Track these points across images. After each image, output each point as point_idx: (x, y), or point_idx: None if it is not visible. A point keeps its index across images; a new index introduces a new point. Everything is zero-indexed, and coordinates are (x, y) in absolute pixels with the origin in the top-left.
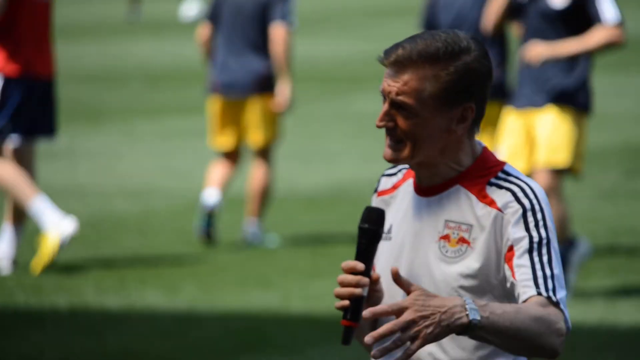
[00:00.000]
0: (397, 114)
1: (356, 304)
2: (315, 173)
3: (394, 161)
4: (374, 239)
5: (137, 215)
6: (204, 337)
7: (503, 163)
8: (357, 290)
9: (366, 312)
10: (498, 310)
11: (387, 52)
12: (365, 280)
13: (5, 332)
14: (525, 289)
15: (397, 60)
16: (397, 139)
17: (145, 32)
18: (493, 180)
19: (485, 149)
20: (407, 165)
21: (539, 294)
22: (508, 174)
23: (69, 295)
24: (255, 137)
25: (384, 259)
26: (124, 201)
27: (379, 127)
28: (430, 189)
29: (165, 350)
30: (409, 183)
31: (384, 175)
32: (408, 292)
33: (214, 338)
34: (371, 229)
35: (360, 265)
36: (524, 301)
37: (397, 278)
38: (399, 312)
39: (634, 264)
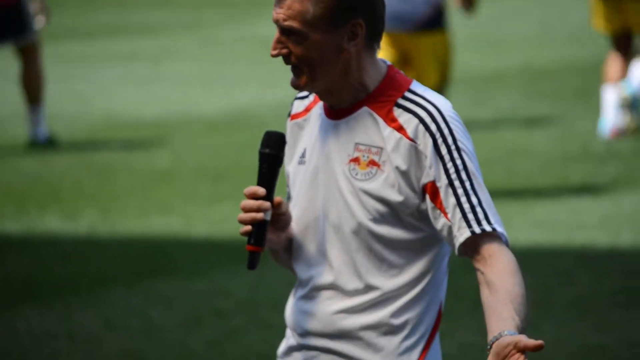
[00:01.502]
0: (288, 41)
1: (259, 228)
2: (217, 97)
3: (297, 87)
4: (275, 164)
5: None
6: (105, 261)
7: (410, 80)
8: (259, 215)
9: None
10: (524, 322)
11: None
12: (267, 204)
13: None
14: (460, 231)
15: None
16: (293, 65)
17: None
18: (400, 100)
19: (390, 67)
20: None
21: (473, 232)
22: (414, 93)
23: None
24: None
25: (299, 183)
26: (24, 126)
27: (272, 56)
28: (339, 111)
29: (67, 275)
30: (320, 106)
31: (296, 98)
32: None
33: (116, 262)
34: (271, 153)
35: (261, 190)
36: (462, 243)
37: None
38: None
39: (532, 185)
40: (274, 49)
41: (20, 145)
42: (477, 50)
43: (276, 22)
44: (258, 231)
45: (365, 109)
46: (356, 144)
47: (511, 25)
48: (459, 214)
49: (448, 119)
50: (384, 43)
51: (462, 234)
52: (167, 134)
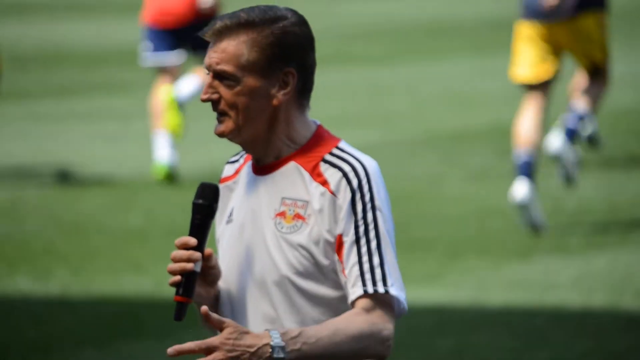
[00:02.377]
0: (220, 85)
1: (188, 279)
2: (188, 154)
3: (222, 135)
4: (207, 215)
5: (7, 200)
6: (77, 322)
7: (338, 139)
8: (189, 265)
9: (170, 350)
10: (312, 339)
11: (208, 26)
12: (197, 255)
13: None
14: (354, 289)
15: (215, 30)
16: (220, 111)
17: (9, 13)
18: (327, 156)
19: (320, 126)
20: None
21: (365, 291)
22: (342, 150)
23: None
24: None
25: (226, 241)
26: None
27: (203, 100)
28: (265, 167)
29: (38, 336)
30: (248, 165)
31: (227, 162)
32: (220, 329)
33: (88, 324)
34: (204, 204)
35: (192, 241)
36: (352, 302)
37: (208, 318)
38: (207, 350)
39: (504, 244)
40: (205, 93)
41: None
42: (447, 107)
43: (209, 66)
44: (187, 282)
45: (292, 163)
46: (282, 198)
47: (481, 83)
48: (356, 272)
49: (371, 176)
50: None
51: (354, 292)
52: (139, 192)
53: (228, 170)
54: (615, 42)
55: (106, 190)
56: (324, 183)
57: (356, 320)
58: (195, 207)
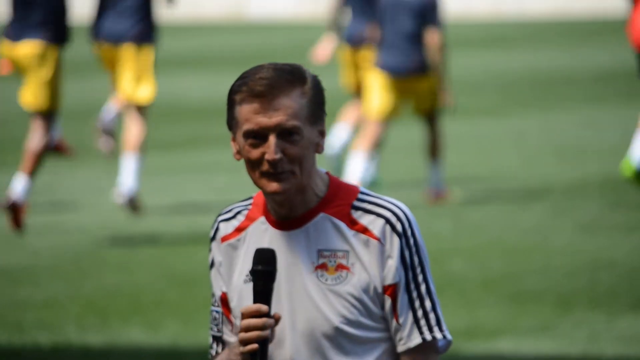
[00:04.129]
0: (285, 143)
1: (263, 346)
2: None
3: (285, 192)
4: (268, 280)
5: (120, 252)
6: None
7: (355, 185)
8: (265, 333)
9: None
10: None
11: (251, 87)
12: (271, 321)
13: None
14: (410, 337)
15: (269, 87)
16: (286, 169)
17: None
18: (356, 203)
19: (328, 173)
20: (244, 206)
21: (424, 339)
22: (368, 195)
23: (50, 333)
24: None
25: (252, 300)
26: (106, 238)
27: (275, 160)
28: (294, 221)
29: None
30: (262, 221)
31: (221, 221)
32: None
33: None
34: (265, 270)
35: (264, 308)
36: (410, 349)
37: None
38: None
39: (616, 296)
40: (276, 153)
41: (102, 258)
42: (558, 159)
43: (275, 126)
44: (262, 349)
45: (321, 215)
46: (319, 250)
47: (591, 134)
48: (410, 319)
49: (411, 219)
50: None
51: (412, 340)
52: None
53: (225, 228)
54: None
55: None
56: (364, 231)
57: None
58: (256, 273)
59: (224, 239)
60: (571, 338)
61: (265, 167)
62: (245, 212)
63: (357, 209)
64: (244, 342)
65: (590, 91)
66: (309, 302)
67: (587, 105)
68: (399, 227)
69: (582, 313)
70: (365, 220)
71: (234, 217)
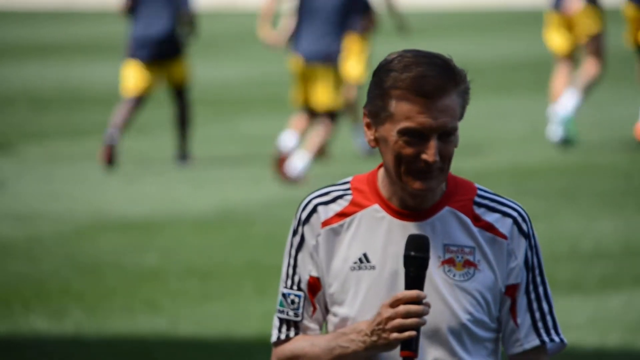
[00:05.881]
0: (442, 143)
1: (418, 334)
2: (204, 196)
3: (430, 190)
4: (421, 266)
5: (23, 240)
6: None
7: (470, 181)
8: (424, 320)
9: None
10: None
11: (416, 85)
12: (428, 309)
13: None
14: (528, 339)
15: (438, 88)
16: (438, 168)
17: (30, 55)
18: (477, 199)
19: None
20: (344, 191)
21: (543, 342)
22: (487, 192)
23: None
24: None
25: (367, 289)
26: (10, 226)
27: (435, 162)
28: (419, 213)
29: None
30: (376, 209)
31: (319, 204)
32: None
33: None
34: (418, 256)
35: (423, 294)
36: (526, 350)
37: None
38: None
39: None
40: (436, 155)
41: (7, 245)
42: (467, 149)
43: (438, 127)
44: (418, 337)
45: (447, 209)
46: (445, 245)
47: (498, 124)
48: (528, 321)
49: (531, 221)
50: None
51: (529, 342)
52: (155, 232)
53: (324, 212)
54: (627, 83)
55: (122, 230)
56: (490, 228)
57: None
58: (409, 259)
59: (325, 223)
60: None
61: (419, 165)
62: (348, 197)
63: (480, 205)
64: (399, 329)
65: (497, 81)
66: (436, 296)
67: (495, 95)
68: (525, 227)
69: None
70: (490, 217)
71: (332, 200)
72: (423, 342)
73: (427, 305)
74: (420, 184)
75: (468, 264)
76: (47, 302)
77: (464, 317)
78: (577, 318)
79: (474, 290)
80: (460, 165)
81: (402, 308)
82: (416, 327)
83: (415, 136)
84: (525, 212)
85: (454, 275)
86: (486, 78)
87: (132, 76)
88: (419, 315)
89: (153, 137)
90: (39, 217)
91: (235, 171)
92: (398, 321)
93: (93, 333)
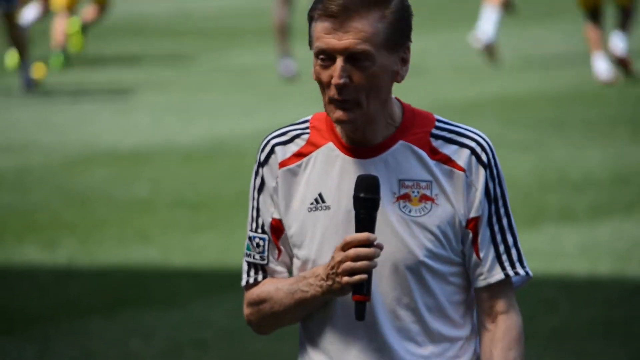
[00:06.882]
0: (353, 69)
1: (370, 277)
2: (194, 127)
3: (348, 122)
4: (372, 207)
5: (14, 171)
6: (83, 292)
7: (429, 112)
8: (374, 263)
9: None
10: None
11: (327, 4)
12: (379, 251)
13: None
14: (491, 272)
15: (343, 8)
16: (350, 97)
17: None
18: (435, 132)
19: (399, 99)
20: (302, 130)
21: (506, 275)
22: (446, 123)
23: None
24: None
25: (323, 229)
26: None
27: (339, 85)
28: (370, 149)
29: (45, 305)
30: (330, 147)
31: (276, 144)
32: None
33: (94, 293)
34: (368, 197)
35: (373, 236)
36: (490, 284)
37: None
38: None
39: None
40: (341, 77)
41: None
42: (453, 79)
43: (343, 49)
44: (369, 281)
45: (401, 142)
46: (400, 180)
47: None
48: (492, 254)
49: (493, 149)
50: None
51: (493, 276)
52: (145, 163)
53: (282, 152)
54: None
55: (112, 161)
56: (447, 161)
57: (503, 349)
58: (359, 200)
59: (282, 164)
60: None
61: (332, 92)
62: (305, 136)
63: (437, 137)
64: (349, 272)
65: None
66: (391, 233)
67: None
68: (484, 157)
69: None
70: (447, 149)
71: (290, 140)
72: (382, 281)
73: (379, 247)
74: (339, 114)
75: (425, 198)
76: (39, 233)
77: (421, 254)
78: (567, 247)
79: (431, 225)
80: (450, 97)
81: (352, 251)
82: (366, 270)
83: (327, 59)
84: (486, 141)
85: (410, 211)
86: (475, 6)
87: None
88: (369, 258)
89: (143, 67)
90: (29, 149)
91: (225, 103)
92: (348, 264)
93: (86, 263)
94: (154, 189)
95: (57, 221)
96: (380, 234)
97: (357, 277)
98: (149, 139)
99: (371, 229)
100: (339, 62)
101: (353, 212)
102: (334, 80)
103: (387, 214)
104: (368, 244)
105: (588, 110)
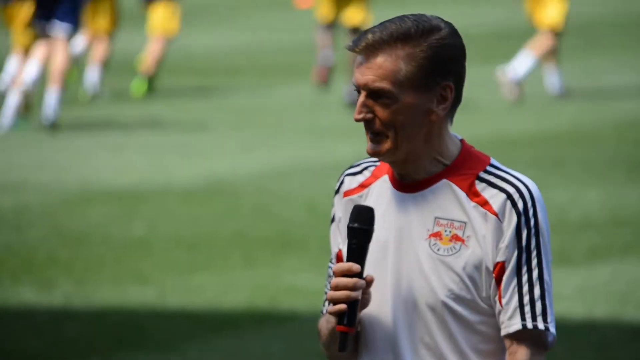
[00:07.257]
0: (375, 104)
1: (352, 308)
2: (192, 166)
3: (376, 155)
4: (365, 239)
5: (11, 210)
6: (79, 333)
7: (487, 156)
8: (354, 294)
9: None
10: None
11: (357, 40)
12: (362, 282)
13: None
14: (511, 321)
15: (368, 44)
16: (376, 131)
17: None
18: (482, 175)
19: (464, 141)
20: (373, 162)
21: (524, 326)
22: (497, 168)
23: None
24: None
25: (368, 260)
26: None
27: (357, 120)
28: (414, 184)
29: (40, 347)
30: (385, 180)
31: (347, 175)
32: None
33: (90, 334)
34: (362, 228)
35: (356, 267)
36: (508, 335)
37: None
38: None
39: None
40: (359, 112)
41: None
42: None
43: (362, 85)
44: (351, 311)
45: (444, 181)
46: (436, 218)
47: (486, 93)
48: (515, 303)
49: (536, 199)
50: None
51: (511, 325)
52: (142, 202)
53: (349, 183)
54: (623, 51)
55: (109, 201)
56: (484, 204)
57: None
58: (352, 231)
59: (346, 193)
60: None
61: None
62: (372, 168)
63: (482, 180)
64: (332, 302)
65: (484, 49)
66: (417, 269)
67: (484, 63)
68: (520, 204)
69: None
70: (487, 193)
71: (360, 172)
72: (406, 316)
73: (365, 279)
74: (369, 146)
75: (456, 238)
76: (36, 273)
77: (442, 293)
78: (564, 289)
79: (457, 266)
80: None
81: (334, 281)
82: (345, 301)
83: (359, 93)
84: (529, 189)
85: (439, 250)
86: (475, 46)
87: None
88: (349, 288)
89: (140, 105)
90: (26, 187)
91: (223, 142)
92: (330, 293)
93: (82, 304)
94: (151, 229)
95: (53, 261)
96: (408, 269)
97: (335, 307)
98: (145, 177)
99: (361, 260)
100: (361, 97)
101: (388, 244)
102: (354, 114)
103: (417, 250)
104: (350, 274)
105: (586, 150)
